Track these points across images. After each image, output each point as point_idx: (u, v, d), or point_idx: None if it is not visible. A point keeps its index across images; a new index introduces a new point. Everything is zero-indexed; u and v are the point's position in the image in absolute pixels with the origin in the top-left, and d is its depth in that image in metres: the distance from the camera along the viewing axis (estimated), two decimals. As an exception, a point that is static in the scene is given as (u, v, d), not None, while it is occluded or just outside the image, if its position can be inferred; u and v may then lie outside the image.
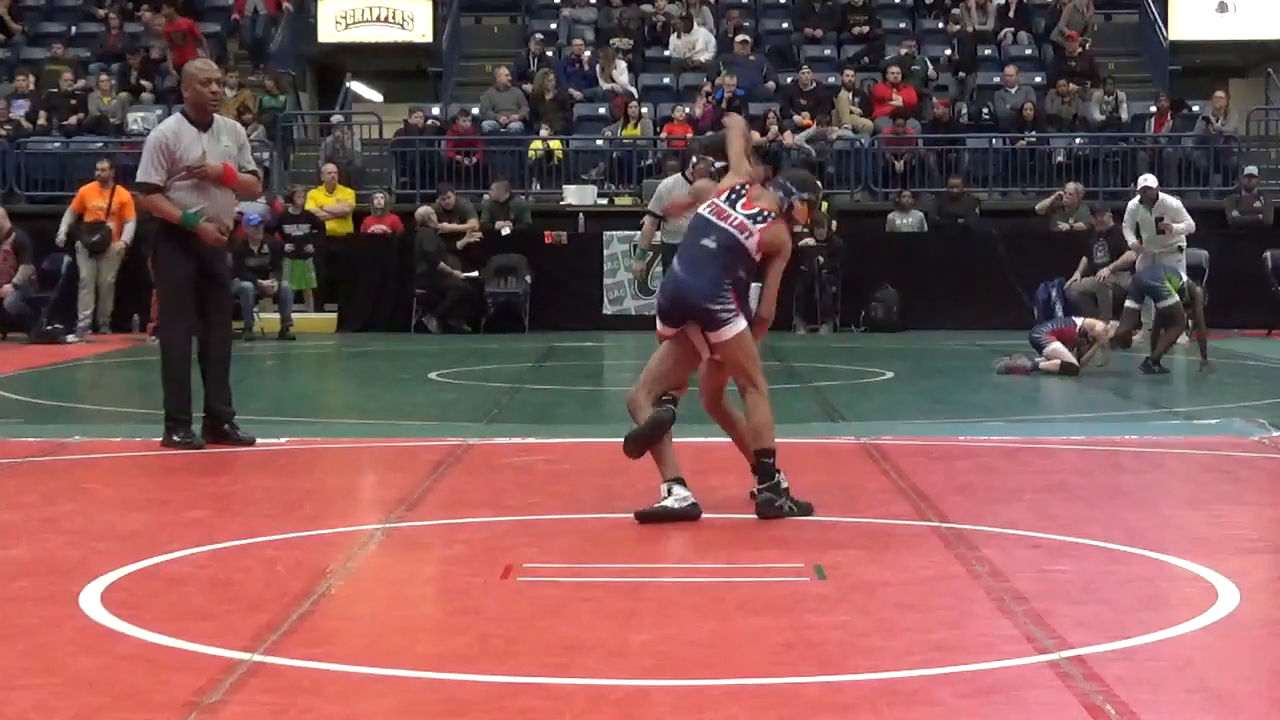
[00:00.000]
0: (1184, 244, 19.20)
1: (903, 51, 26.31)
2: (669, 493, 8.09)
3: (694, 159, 14.91)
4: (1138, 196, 19.09)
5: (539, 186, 24.57)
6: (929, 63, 26.73)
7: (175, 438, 10.79)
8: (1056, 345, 15.99)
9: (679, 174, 15.28)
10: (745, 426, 8.42)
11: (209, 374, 10.96)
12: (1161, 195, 19.10)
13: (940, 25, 28.26)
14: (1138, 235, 19.45)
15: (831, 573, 6.90)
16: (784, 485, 8.23)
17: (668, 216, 14.22)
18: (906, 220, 23.39)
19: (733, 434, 8.55)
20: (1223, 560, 7.09)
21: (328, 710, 4.96)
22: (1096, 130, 25.08)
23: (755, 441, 8.27)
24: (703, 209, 8.41)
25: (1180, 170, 24.36)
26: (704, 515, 8.12)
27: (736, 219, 8.28)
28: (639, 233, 21.99)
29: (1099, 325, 16.39)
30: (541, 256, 22.48)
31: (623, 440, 8.20)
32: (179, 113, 10.91)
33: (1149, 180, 19.31)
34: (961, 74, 26.81)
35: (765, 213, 8.33)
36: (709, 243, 8.23)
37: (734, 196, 8.36)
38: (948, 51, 27.51)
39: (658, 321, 8.42)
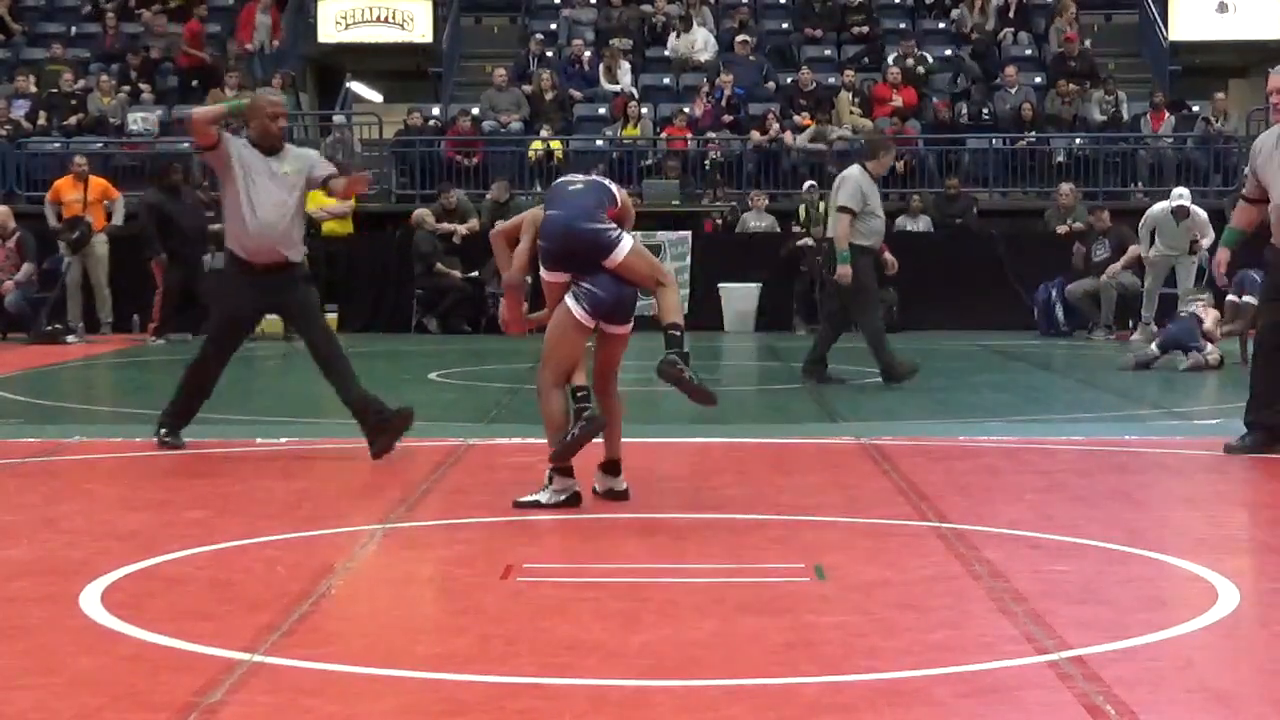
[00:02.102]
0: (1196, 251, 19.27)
1: (909, 61, 26.28)
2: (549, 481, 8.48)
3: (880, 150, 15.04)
4: (1167, 207, 19.05)
5: (539, 187, 24.56)
6: (929, 59, 26.72)
7: (164, 436, 10.77)
8: (1212, 346, 16.30)
9: (859, 165, 15.04)
10: (619, 427, 8.75)
11: (335, 381, 10.60)
12: (1192, 208, 19.13)
13: (940, 25, 28.26)
14: (1151, 241, 19.47)
15: (831, 573, 6.90)
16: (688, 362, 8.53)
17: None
18: (916, 225, 23.40)
19: (609, 428, 8.69)
20: (1223, 560, 7.09)
21: (328, 710, 4.96)
22: (1096, 131, 25.08)
23: (664, 317, 8.48)
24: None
25: (1180, 171, 24.34)
26: (701, 516, 8.12)
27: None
28: (639, 233, 22.07)
29: (1213, 313, 16.63)
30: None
31: (554, 450, 8.47)
32: (245, 139, 10.60)
33: (1184, 197, 19.28)
34: (973, 81, 26.73)
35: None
36: (576, 186, 8.65)
37: None
38: (947, 51, 27.48)
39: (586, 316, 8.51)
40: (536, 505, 8.35)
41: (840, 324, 15.36)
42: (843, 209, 14.61)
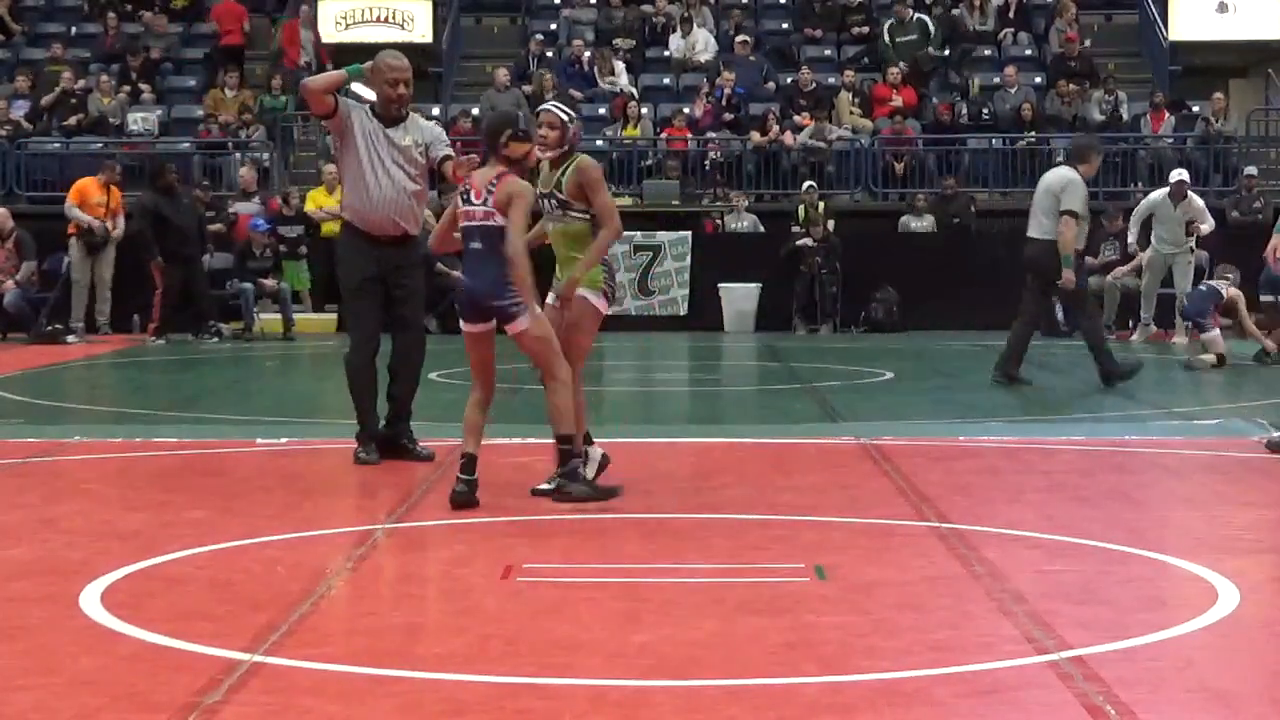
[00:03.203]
0: (1194, 245, 19.24)
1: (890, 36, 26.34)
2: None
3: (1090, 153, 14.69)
4: (1165, 191, 19.01)
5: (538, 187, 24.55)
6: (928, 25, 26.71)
7: (360, 455, 10.14)
8: (1217, 333, 16.25)
9: (1071, 168, 14.91)
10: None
11: (399, 375, 10.32)
12: (1190, 192, 19.10)
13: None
14: (1142, 229, 19.43)
15: (831, 573, 6.90)
16: (583, 473, 8.62)
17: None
18: (920, 224, 23.40)
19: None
20: (1222, 560, 7.09)
21: (328, 710, 4.96)
22: (1096, 130, 25.07)
23: (553, 426, 8.56)
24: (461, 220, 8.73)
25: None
26: (700, 516, 8.12)
27: (477, 211, 8.59)
28: (639, 233, 22.10)
29: (1233, 292, 16.74)
30: (541, 257, 22.42)
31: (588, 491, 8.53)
32: (368, 109, 10.29)
33: (1182, 174, 19.26)
34: (945, 43, 26.75)
35: (489, 183, 8.63)
36: (476, 245, 8.58)
37: (464, 192, 8.73)
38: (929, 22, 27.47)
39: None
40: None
41: (1034, 325, 15.35)
42: (1070, 213, 14.35)
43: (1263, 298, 16.85)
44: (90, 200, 21.35)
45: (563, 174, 8.79)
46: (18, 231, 21.19)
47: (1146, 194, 21.96)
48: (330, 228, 22.86)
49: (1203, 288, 16.91)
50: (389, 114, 10.16)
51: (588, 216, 8.78)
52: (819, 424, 12.22)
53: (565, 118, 8.82)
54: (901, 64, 25.87)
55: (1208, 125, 24.97)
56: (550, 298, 8.93)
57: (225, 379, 17.34)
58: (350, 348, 10.32)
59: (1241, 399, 13.94)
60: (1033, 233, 14.83)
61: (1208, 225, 19.07)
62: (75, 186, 21.57)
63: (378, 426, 10.20)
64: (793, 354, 18.73)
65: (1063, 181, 14.61)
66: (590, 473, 8.78)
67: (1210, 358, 16.45)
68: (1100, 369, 14.71)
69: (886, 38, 26.62)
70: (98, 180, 21.44)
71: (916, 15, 26.92)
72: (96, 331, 21.25)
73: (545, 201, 8.86)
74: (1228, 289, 17.08)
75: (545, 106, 9.05)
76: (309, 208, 22.77)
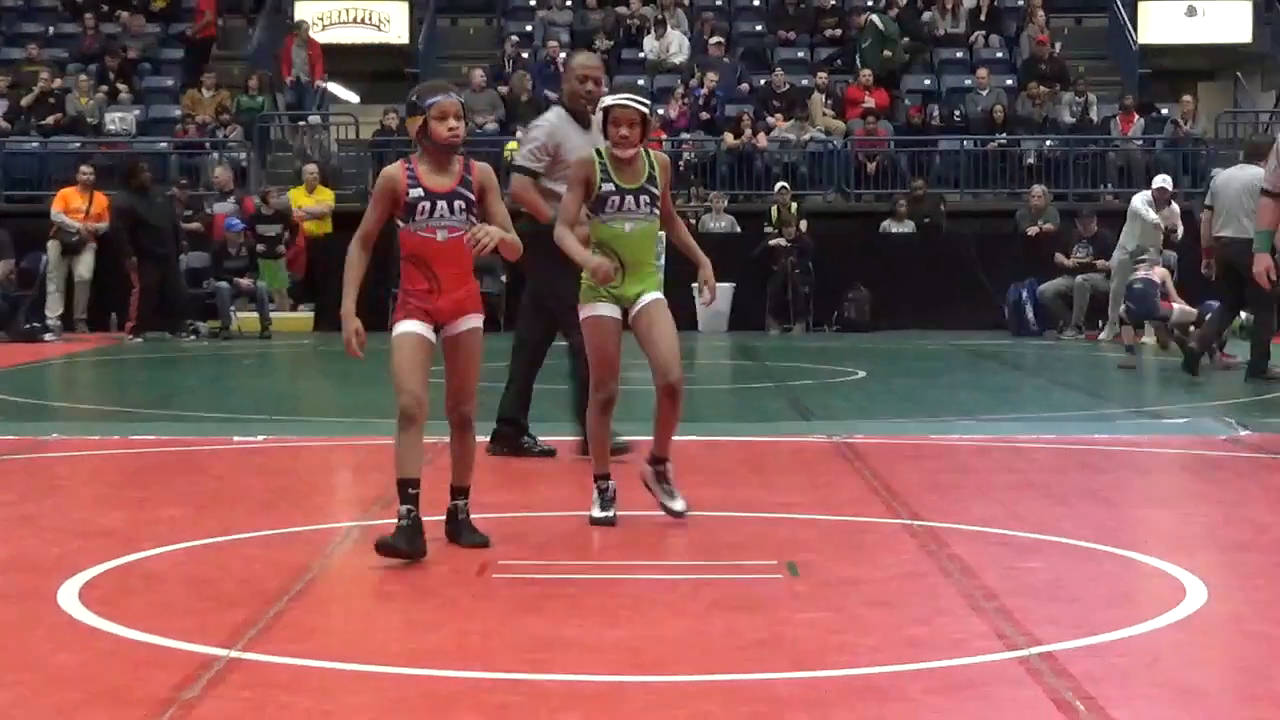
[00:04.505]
0: (1161, 251, 19.28)
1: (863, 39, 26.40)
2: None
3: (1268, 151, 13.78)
4: (1148, 194, 19.03)
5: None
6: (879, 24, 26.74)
7: (523, 442, 10.23)
8: (1178, 309, 16.45)
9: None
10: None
11: (517, 371, 10.33)
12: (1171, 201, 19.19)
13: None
14: (1115, 233, 19.48)
15: (804, 570, 6.91)
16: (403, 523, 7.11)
17: None
18: (901, 228, 23.44)
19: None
20: (1190, 557, 7.11)
21: (305, 706, 4.96)
22: (1067, 132, 25.14)
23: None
24: None
25: (1149, 172, 24.39)
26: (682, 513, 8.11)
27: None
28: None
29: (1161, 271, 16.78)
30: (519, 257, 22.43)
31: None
32: (559, 108, 10.15)
33: (1166, 182, 19.31)
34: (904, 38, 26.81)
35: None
36: None
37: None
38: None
39: None
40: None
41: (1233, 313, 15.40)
42: (1270, 192, 14.02)
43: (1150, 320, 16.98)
44: (71, 206, 21.46)
45: (651, 169, 7.85)
46: (-5, 230, 21.19)
47: (1116, 196, 22.06)
48: (310, 227, 22.85)
49: (1138, 285, 16.86)
50: (581, 115, 9.98)
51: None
52: (792, 423, 12.23)
53: (645, 110, 7.83)
54: (869, 70, 25.91)
55: (1177, 128, 25.06)
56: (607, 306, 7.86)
57: (203, 377, 17.31)
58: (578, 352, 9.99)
59: (1209, 398, 13.98)
60: (1232, 232, 14.92)
61: (1180, 231, 19.17)
62: (59, 194, 21.67)
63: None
64: (766, 353, 18.76)
65: (1257, 176, 14.62)
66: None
67: (1130, 358, 16.56)
68: (1253, 360, 14.86)
69: (860, 44, 26.67)
70: (77, 188, 21.56)
71: (870, 18, 26.93)
72: (73, 330, 21.21)
73: (629, 199, 7.78)
74: (1154, 270, 17.10)
75: (618, 101, 7.88)
76: (295, 207, 22.74)
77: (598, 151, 7.94)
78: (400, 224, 7.14)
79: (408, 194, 7.06)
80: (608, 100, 7.94)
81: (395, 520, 7.02)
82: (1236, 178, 15.24)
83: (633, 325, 7.86)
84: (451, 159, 7.12)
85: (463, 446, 7.34)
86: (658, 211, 7.86)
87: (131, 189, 20.92)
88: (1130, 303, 16.85)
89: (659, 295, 7.86)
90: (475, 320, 7.21)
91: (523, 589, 6.64)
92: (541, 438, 10.35)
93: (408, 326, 7.12)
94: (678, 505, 8.03)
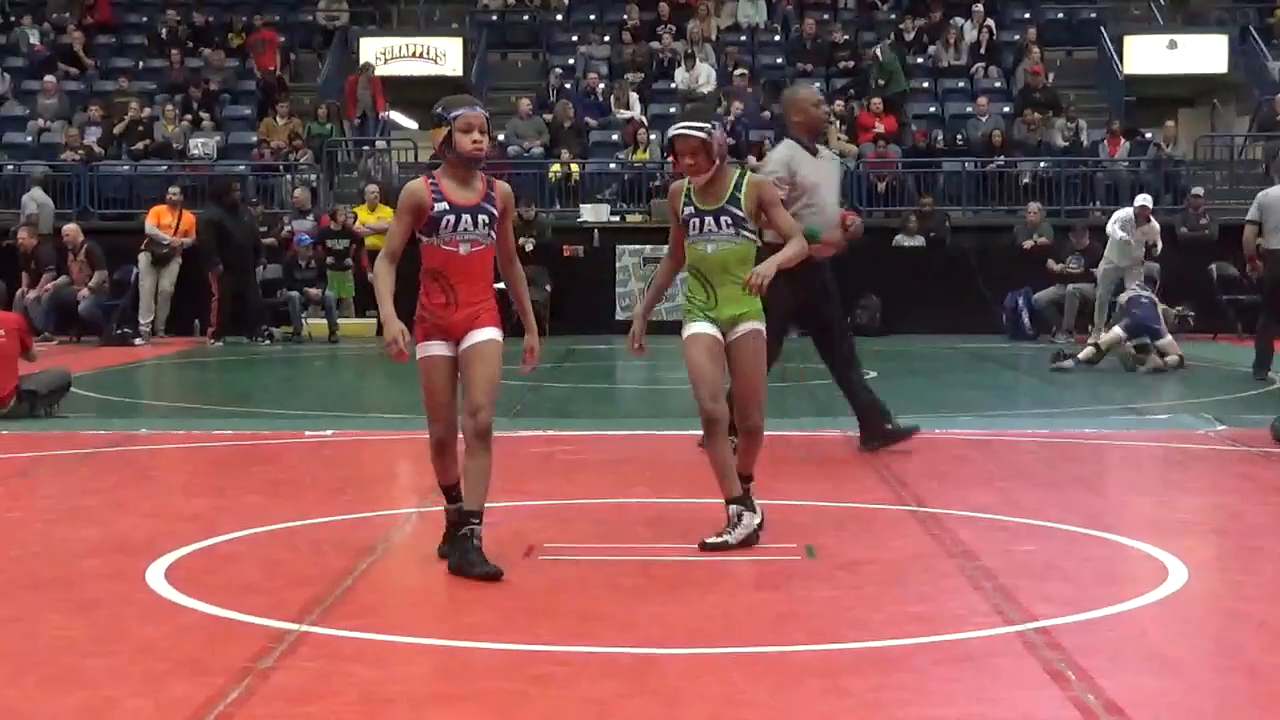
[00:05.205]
0: (1143, 260, 19.18)
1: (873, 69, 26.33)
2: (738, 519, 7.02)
3: None
4: (1130, 211, 18.92)
5: (558, 205, 24.56)
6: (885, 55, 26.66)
7: (889, 427, 10.15)
8: (1170, 339, 16.33)
9: None
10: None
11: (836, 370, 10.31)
12: (1150, 217, 19.08)
13: (919, 60, 28.22)
14: (1102, 244, 19.37)
15: (821, 552, 6.89)
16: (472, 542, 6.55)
17: None
18: (912, 241, 23.37)
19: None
20: (1172, 541, 7.08)
21: (367, 674, 4.96)
22: (1059, 155, 25.05)
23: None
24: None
25: (1134, 191, 24.29)
26: (704, 501, 8.11)
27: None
28: (648, 247, 22.07)
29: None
30: (561, 268, 22.52)
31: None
32: (790, 140, 9.99)
33: (1147, 200, 19.20)
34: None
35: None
36: None
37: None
38: (925, 83, 27.47)
39: None
40: (725, 546, 6.90)
41: None
42: None
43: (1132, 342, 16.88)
44: (162, 222, 21.67)
45: (736, 189, 7.10)
46: (88, 244, 21.26)
47: (1103, 212, 21.94)
48: (375, 241, 22.89)
49: (1144, 300, 16.77)
50: (814, 142, 9.99)
51: (755, 236, 7.19)
52: (809, 418, 12.21)
53: (703, 135, 7.03)
54: (877, 99, 25.87)
55: (1159, 150, 24.96)
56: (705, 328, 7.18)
57: (276, 377, 17.35)
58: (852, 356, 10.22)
59: (1189, 396, 13.92)
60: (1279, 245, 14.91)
61: (1160, 246, 19.08)
62: (152, 210, 21.83)
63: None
64: (785, 355, 18.67)
65: None
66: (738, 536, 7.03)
67: (1091, 350, 16.53)
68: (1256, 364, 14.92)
69: (872, 75, 26.64)
70: (167, 206, 21.72)
71: (874, 50, 26.92)
72: (155, 335, 21.30)
73: (709, 220, 7.10)
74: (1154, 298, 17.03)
75: (677, 132, 7.17)
76: (357, 224, 22.80)
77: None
78: (423, 238, 6.51)
79: (433, 208, 6.47)
80: (670, 131, 7.32)
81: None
82: None
83: (727, 353, 7.13)
84: (474, 174, 6.58)
85: (479, 463, 6.46)
86: (747, 232, 7.09)
87: (222, 205, 21.06)
88: (1135, 312, 16.71)
89: (755, 326, 7.06)
90: (491, 333, 6.58)
91: (565, 569, 6.64)
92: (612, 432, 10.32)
93: (433, 350, 6.54)
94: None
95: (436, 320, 6.54)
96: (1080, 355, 16.46)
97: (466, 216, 6.50)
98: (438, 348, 6.54)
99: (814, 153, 9.98)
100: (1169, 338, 16.44)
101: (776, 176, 9.68)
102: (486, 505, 6.49)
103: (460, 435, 6.56)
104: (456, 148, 6.50)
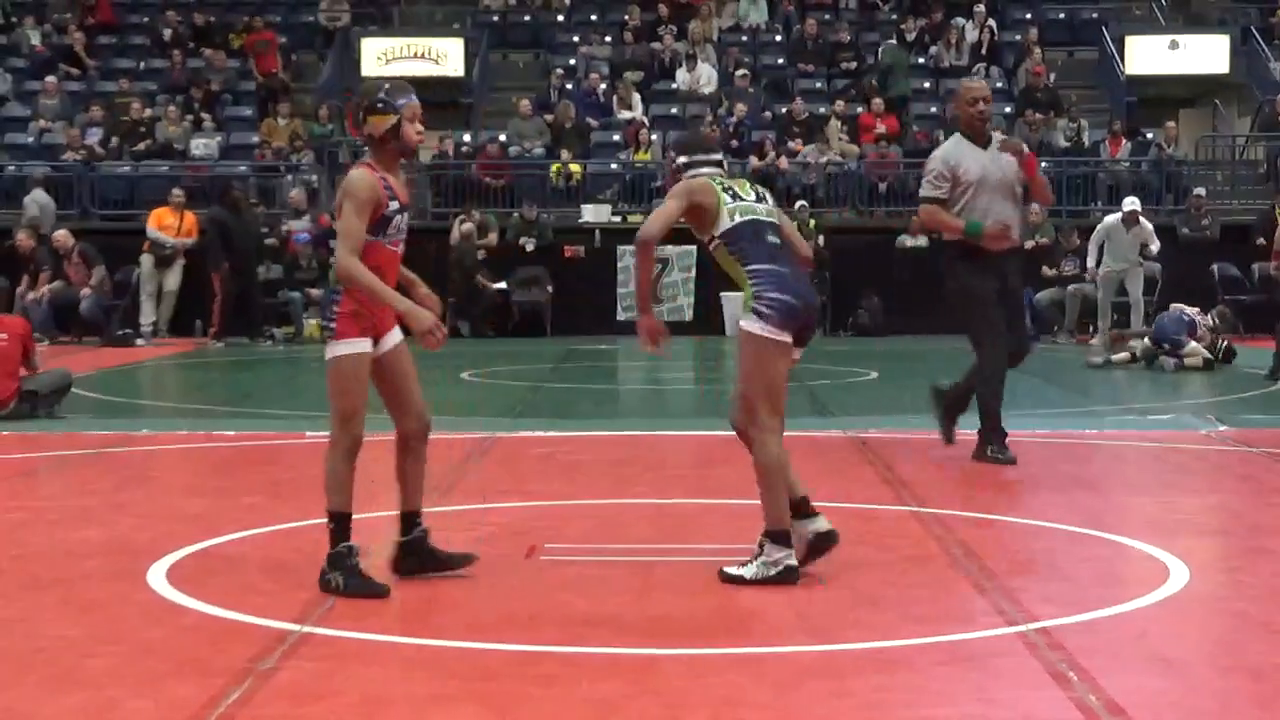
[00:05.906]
0: (1141, 260, 19.18)
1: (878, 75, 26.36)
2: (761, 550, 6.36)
3: None
4: (1118, 216, 18.94)
5: (560, 206, 24.58)
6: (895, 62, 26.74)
7: (989, 451, 9.71)
8: (1194, 345, 16.44)
9: None
10: None
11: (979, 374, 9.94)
12: (1140, 217, 19.08)
13: (920, 60, 28.23)
14: (1100, 251, 19.36)
15: (822, 552, 6.88)
16: (352, 560, 6.19)
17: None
18: (915, 242, 23.36)
19: None
20: (1173, 541, 7.07)
21: (368, 675, 4.96)
22: (1060, 155, 25.05)
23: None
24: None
25: (1135, 191, 24.30)
26: (707, 501, 8.10)
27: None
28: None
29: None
30: (562, 268, 22.54)
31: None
32: (956, 134, 9.87)
33: (1135, 204, 19.20)
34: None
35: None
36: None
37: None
38: (926, 83, 27.47)
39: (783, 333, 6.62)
40: (741, 581, 6.24)
41: None
42: None
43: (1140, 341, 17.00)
44: (163, 224, 21.67)
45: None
46: (79, 246, 21.25)
47: (1105, 212, 21.93)
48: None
49: (1182, 317, 16.85)
50: (979, 137, 9.77)
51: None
52: (811, 418, 12.20)
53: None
54: (879, 99, 25.89)
55: (1160, 150, 24.95)
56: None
57: (278, 378, 17.35)
58: (991, 357, 9.82)
59: (1189, 397, 13.91)
60: None
61: (1156, 245, 19.04)
62: (153, 213, 21.85)
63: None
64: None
65: None
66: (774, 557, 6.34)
67: (1103, 357, 16.94)
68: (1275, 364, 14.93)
69: (875, 79, 26.68)
70: (169, 208, 21.72)
71: (882, 49, 27.02)
72: (157, 335, 21.31)
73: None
74: (1199, 314, 17.10)
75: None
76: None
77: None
78: (369, 237, 6.07)
79: (387, 206, 6.08)
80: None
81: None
82: None
83: None
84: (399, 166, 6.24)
85: (418, 465, 6.34)
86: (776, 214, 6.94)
87: (225, 206, 21.14)
88: (1160, 326, 16.91)
89: (743, 322, 6.77)
90: (400, 332, 6.25)
91: (566, 570, 6.64)
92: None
93: (362, 347, 6.13)
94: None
95: (371, 318, 6.14)
96: (1114, 357, 16.90)
97: (404, 215, 6.23)
98: (368, 345, 6.16)
99: (984, 145, 9.74)
100: (1193, 344, 16.49)
101: (935, 173, 9.68)
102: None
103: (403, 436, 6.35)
104: (403, 138, 6.11)
